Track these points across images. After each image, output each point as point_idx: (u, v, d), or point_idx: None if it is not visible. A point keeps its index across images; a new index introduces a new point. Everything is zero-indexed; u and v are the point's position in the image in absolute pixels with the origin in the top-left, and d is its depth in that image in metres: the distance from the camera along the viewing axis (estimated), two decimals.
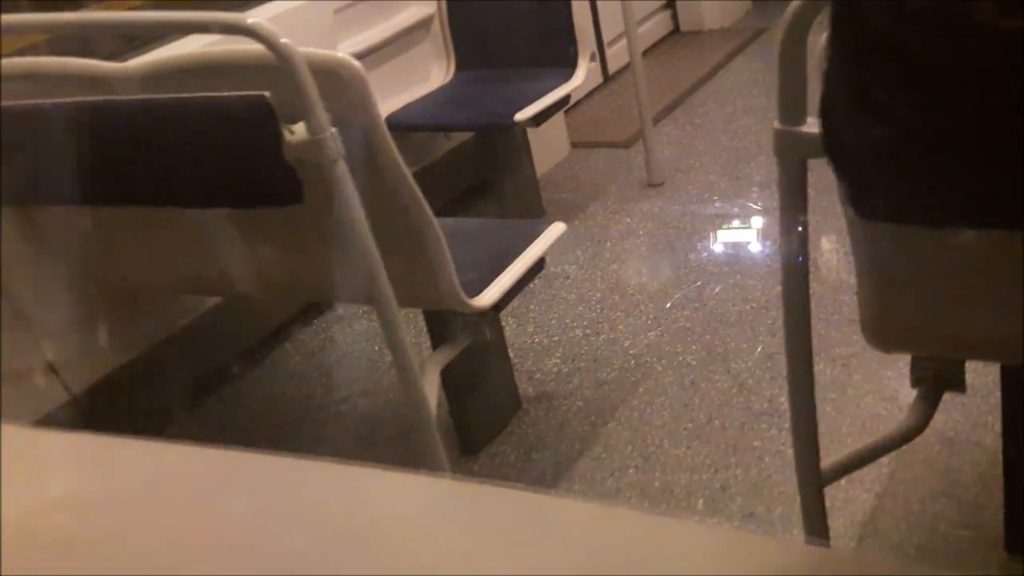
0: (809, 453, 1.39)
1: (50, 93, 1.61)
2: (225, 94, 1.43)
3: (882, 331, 1.41)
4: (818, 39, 1.16)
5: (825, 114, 1.05)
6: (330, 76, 1.45)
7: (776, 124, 1.19)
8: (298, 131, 1.45)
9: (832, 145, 1.05)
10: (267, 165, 1.46)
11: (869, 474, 1.87)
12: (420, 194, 1.61)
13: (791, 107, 1.16)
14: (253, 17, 1.41)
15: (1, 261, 1.89)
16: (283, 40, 1.37)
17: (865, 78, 1.07)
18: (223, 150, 1.49)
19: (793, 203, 1.21)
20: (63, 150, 1.65)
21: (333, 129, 1.44)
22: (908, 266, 1.28)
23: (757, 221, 2.98)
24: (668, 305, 2.59)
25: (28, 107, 1.61)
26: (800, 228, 1.24)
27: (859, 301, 1.40)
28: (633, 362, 2.38)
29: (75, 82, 1.63)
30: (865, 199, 1.12)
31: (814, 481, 1.41)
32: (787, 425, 2.03)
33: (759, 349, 2.34)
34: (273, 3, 2.56)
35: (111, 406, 2.14)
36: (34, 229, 1.97)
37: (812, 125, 1.17)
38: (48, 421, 1.99)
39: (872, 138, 1.05)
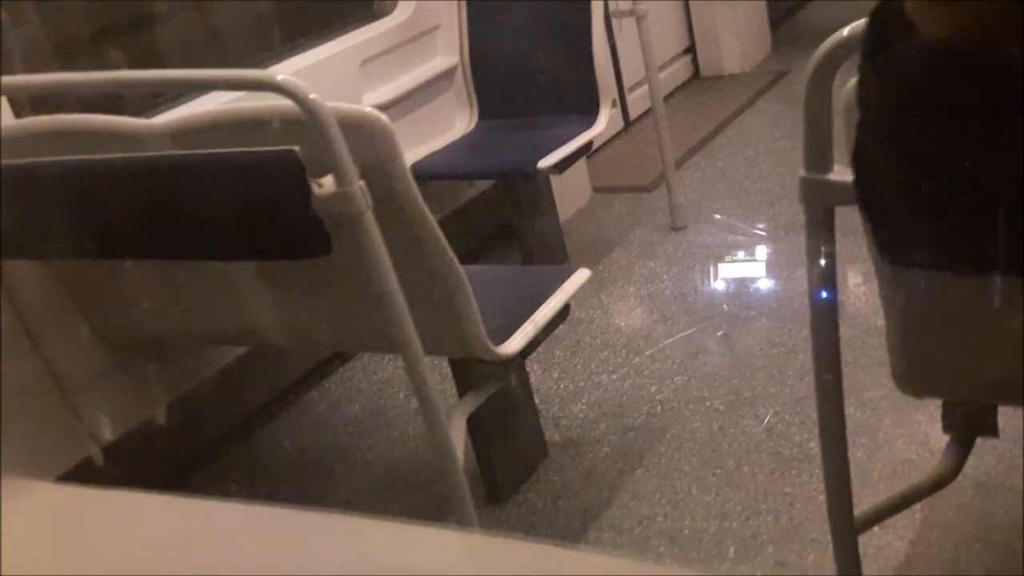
0: (842, 501, 1.38)
1: (79, 149, 1.64)
2: (254, 149, 1.45)
3: (913, 377, 1.40)
4: (842, 87, 1.16)
5: (857, 161, 1.05)
6: (357, 129, 1.47)
7: (802, 172, 1.19)
8: (326, 184, 1.47)
9: (864, 193, 1.05)
10: (296, 218, 1.47)
11: (902, 520, 1.84)
12: (446, 243, 1.62)
13: (817, 155, 1.16)
14: (281, 72, 1.44)
15: (15, 312, 1.90)
16: (312, 96, 1.39)
17: (896, 124, 1.07)
18: (252, 204, 1.51)
19: (820, 251, 1.21)
20: (92, 205, 1.67)
21: (361, 182, 1.45)
22: (939, 312, 1.27)
23: (782, 264, 2.97)
24: (694, 350, 2.58)
25: (58, 163, 1.64)
26: (828, 275, 1.24)
27: (889, 347, 1.39)
28: (660, 407, 2.37)
29: (103, 139, 1.65)
30: (897, 246, 1.12)
31: (848, 529, 1.40)
32: (818, 471, 2.01)
33: (787, 393, 2.32)
34: (300, 56, 2.60)
35: (138, 459, 2.15)
36: (62, 282, 1.99)
37: (839, 173, 1.17)
38: (73, 476, 2.00)
39: (905, 185, 1.05)
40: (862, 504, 1.48)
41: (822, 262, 1.23)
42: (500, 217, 3.22)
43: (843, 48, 1.11)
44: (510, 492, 2.17)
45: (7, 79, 2.00)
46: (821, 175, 1.17)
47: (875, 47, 1.04)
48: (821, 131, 1.15)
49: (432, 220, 1.59)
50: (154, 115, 2.11)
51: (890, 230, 1.10)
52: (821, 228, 1.21)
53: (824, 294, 1.25)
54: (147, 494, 0.80)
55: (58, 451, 2.00)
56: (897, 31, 1.00)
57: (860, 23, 1.05)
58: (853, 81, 1.13)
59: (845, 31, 1.12)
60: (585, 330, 2.79)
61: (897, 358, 1.39)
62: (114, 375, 2.09)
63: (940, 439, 2.04)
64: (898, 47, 1.02)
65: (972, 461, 1.55)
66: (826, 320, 1.28)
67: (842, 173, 1.17)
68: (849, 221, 1.30)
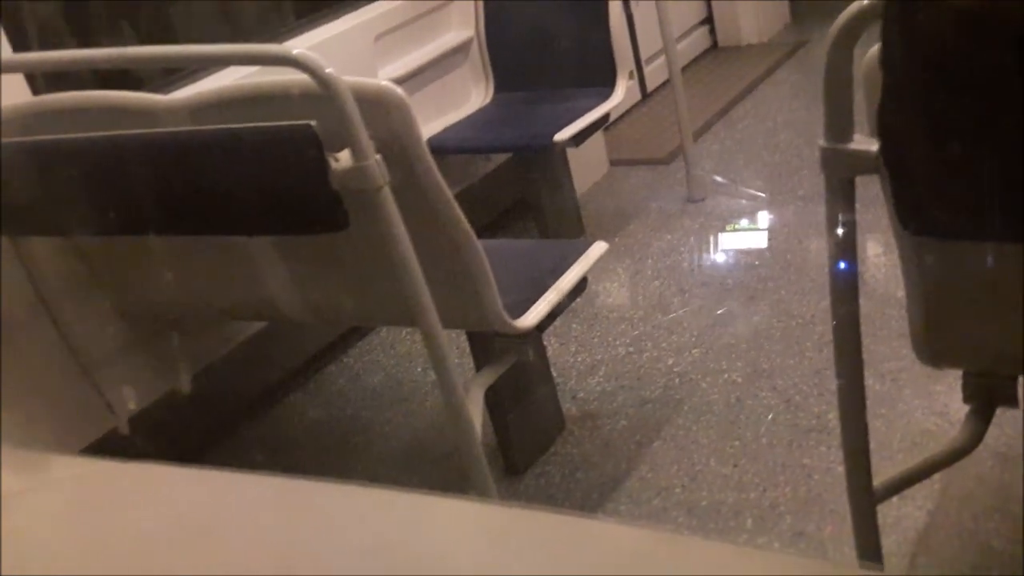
0: (861, 472, 1.38)
1: (97, 126, 1.65)
2: (271, 124, 1.45)
3: (933, 347, 1.39)
4: (862, 56, 1.15)
5: (883, 128, 1.04)
6: (374, 103, 1.47)
7: (822, 142, 1.18)
8: (343, 158, 1.47)
9: (889, 158, 1.05)
10: (314, 193, 1.47)
11: (921, 491, 1.84)
12: (463, 217, 1.63)
13: (838, 125, 1.15)
14: (297, 47, 1.44)
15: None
16: (328, 70, 1.39)
17: (920, 89, 1.06)
18: (270, 179, 1.51)
19: (841, 220, 1.21)
20: (112, 182, 1.68)
21: (378, 156, 1.45)
22: (960, 281, 1.26)
23: (800, 235, 2.96)
24: (711, 322, 2.58)
25: (77, 140, 1.64)
26: (848, 245, 1.24)
27: (909, 317, 1.39)
28: (677, 380, 2.37)
29: (121, 115, 1.66)
30: (918, 214, 1.11)
31: (866, 500, 1.40)
32: (836, 442, 2.01)
33: (806, 365, 2.32)
34: (315, 31, 2.59)
35: (159, 432, 2.17)
36: (82, 259, 2.00)
37: (859, 142, 1.16)
38: (96, 449, 2.02)
39: (929, 151, 1.04)
40: (881, 475, 1.48)
41: (842, 232, 1.22)
42: (516, 191, 3.21)
43: (864, 17, 1.10)
44: (528, 465, 2.18)
45: (24, 56, 2.00)
46: (841, 144, 1.17)
47: (899, 11, 1.03)
48: (841, 100, 1.14)
49: (449, 194, 1.59)
50: (171, 91, 2.12)
51: (914, 196, 1.10)
52: (841, 198, 1.20)
53: (844, 264, 1.25)
54: (169, 466, 0.81)
55: (79, 425, 2.03)
56: None
57: None
58: (873, 50, 1.12)
59: (866, 0, 1.10)
60: (602, 303, 2.79)
61: (917, 328, 1.39)
62: (134, 349, 2.11)
63: (959, 410, 2.03)
64: (924, 13, 1.01)
65: (992, 431, 1.54)
66: (846, 291, 1.28)
67: (862, 142, 1.16)
68: (868, 192, 1.29)
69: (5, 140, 1.75)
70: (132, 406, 2.07)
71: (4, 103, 1.76)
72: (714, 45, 4.85)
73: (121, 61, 1.82)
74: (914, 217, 1.15)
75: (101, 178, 1.63)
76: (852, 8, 1.13)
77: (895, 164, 1.10)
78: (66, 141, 1.66)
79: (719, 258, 2.92)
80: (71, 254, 1.97)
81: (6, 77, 1.86)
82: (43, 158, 1.68)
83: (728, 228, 3.09)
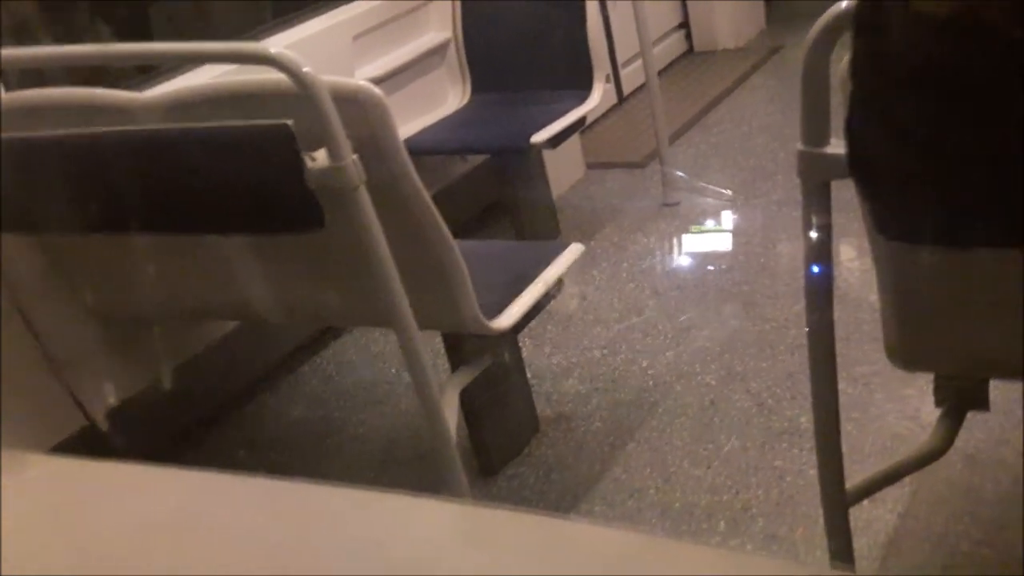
0: (834, 474, 1.39)
1: (70, 122, 1.63)
2: (248, 122, 1.44)
3: (906, 351, 1.41)
4: (840, 62, 1.16)
5: (850, 135, 1.05)
6: (351, 103, 1.47)
7: (799, 146, 1.19)
8: (319, 158, 1.47)
9: (857, 166, 1.06)
10: (289, 192, 1.47)
11: (891, 494, 1.85)
12: (440, 218, 1.62)
13: (814, 128, 1.16)
14: (275, 46, 1.43)
15: (2, 288, 1.90)
16: (305, 69, 1.38)
17: (889, 97, 1.07)
18: (246, 177, 1.51)
19: (817, 224, 1.22)
20: (86, 179, 1.67)
21: (355, 156, 1.45)
22: (932, 286, 1.28)
23: (774, 240, 2.98)
24: (686, 325, 2.59)
25: (50, 137, 1.63)
26: (824, 249, 1.25)
27: (883, 321, 1.40)
28: (652, 382, 2.38)
29: (96, 112, 1.64)
30: (890, 219, 1.12)
31: (839, 502, 1.41)
32: (808, 445, 2.03)
33: (779, 368, 2.33)
34: (292, 30, 2.58)
35: (130, 431, 2.15)
36: (54, 257, 1.98)
37: (836, 146, 1.17)
38: (67, 447, 2.00)
39: (897, 158, 1.05)
40: (853, 479, 1.49)
41: (818, 236, 1.23)
42: (493, 192, 3.21)
43: (842, 21, 1.10)
44: (502, 466, 2.18)
45: (5, 51, 1.98)
46: (818, 148, 1.17)
47: (868, 20, 1.03)
48: (819, 104, 1.15)
49: (426, 195, 1.59)
50: (145, 90, 2.10)
51: (883, 203, 1.11)
52: (817, 202, 1.21)
53: (819, 268, 1.26)
54: (141, 466, 0.80)
55: (49, 425, 2.00)
56: (893, 6, 1.00)
57: None
58: (849, 55, 1.13)
59: (843, 4, 1.11)
60: (577, 305, 2.80)
61: (890, 331, 1.40)
62: (105, 349, 2.09)
63: (931, 414, 2.05)
64: (891, 21, 1.02)
65: (962, 435, 1.56)
66: (821, 294, 1.29)
67: (839, 147, 1.17)
68: (842, 196, 1.30)
69: None
70: (104, 404, 2.05)
71: None
72: (690, 49, 4.87)
73: (98, 58, 1.80)
74: (886, 222, 1.16)
75: (75, 175, 1.61)
76: (830, 13, 1.13)
77: (863, 171, 1.11)
78: (40, 138, 1.64)
79: (694, 261, 2.93)
80: (43, 251, 1.95)
81: None
82: (16, 155, 1.66)
83: (703, 231, 3.10)
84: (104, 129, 1.58)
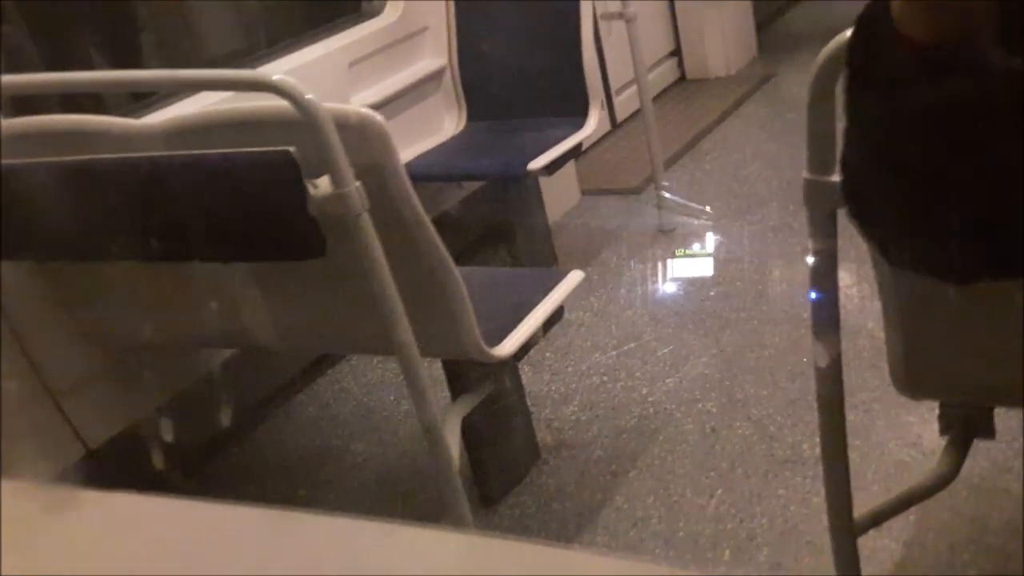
0: (842, 504, 1.38)
1: (69, 150, 1.62)
2: (250, 150, 1.44)
3: (911, 378, 1.40)
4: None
5: (846, 169, 1.05)
6: (352, 130, 1.46)
7: (805, 173, 1.19)
8: (321, 185, 1.46)
9: (854, 200, 1.05)
10: (291, 219, 1.46)
11: (896, 522, 1.84)
12: (441, 244, 1.61)
13: (820, 157, 1.16)
14: (276, 73, 1.42)
15: (2, 312, 1.88)
16: (308, 96, 1.37)
17: (882, 128, 1.06)
18: (247, 205, 1.50)
19: (823, 252, 1.21)
20: (85, 206, 1.65)
21: (357, 183, 1.44)
22: (937, 313, 1.27)
23: (771, 266, 2.98)
24: (685, 352, 2.58)
25: (49, 164, 1.62)
26: (830, 276, 1.24)
27: (887, 348, 1.39)
28: (652, 410, 2.37)
29: (93, 139, 1.63)
30: (894, 249, 1.12)
31: (847, 532, 1.40)
32: (812, 473, 2.01)
33: (779, 395, 2.32)
34: (288, 56, 2.58)
35: (128, 461, 2.13)
36: (52, 284, 1.96)
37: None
38: (65, 477, 1.97)
39: (892, 192, 1.04)
40: (857, 506, 1.48)
41: (824, 264, 1.22)
42: (489, 218, 3.21)
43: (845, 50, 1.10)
44: (503, 494, 2.16)
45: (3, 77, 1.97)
46: (824, 177, 1.17)
47: (860, 54, 1.03)
48: (824, 133, 1.15)
49: (427, 221, 1.58)
50: (139, 117, 2.09)
51: (878, 236, 1.10)
52: (823, 230, 1.20)
53: (826, 296, 1.25)
54: (140, 496, 0.79)
55: (46, 455, 1.98)
56: (883, 38, 1.00)
57: None
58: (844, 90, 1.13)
59: (848, 33, 1.11)
60: (575, 332, 2.79)
61: (895, 359, 1.39)
62: (102, 378, 2.07)
63: (933, 441, 2.05)
64: (883, 53, 1.02)
65: (966, 463, 1.55)
66: (827, 322, 1.28)
67: None
68: (841, 221, 1.30)
69: None
70: (97, 438, 2.02)
71: None
72: (682, 77, 4.90)
73: (95, 85, 1.80)
74: (891, 252, 1.16)
75: (74, 202, 1.60)
76: (835, 41, 1.14)
77: (860, 204, 1.10)
78: (37, 165, 1.63)
79: (691, 287, 2.93)
80: (41, 278, 1.93)
81: None
82: (15, 182, 1.65)
83: (699, 257, 3.10)
84: (102, 156, 1.57)
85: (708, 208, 3.28)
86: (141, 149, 1.58)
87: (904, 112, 1.02)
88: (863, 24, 0.99)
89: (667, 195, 3.35)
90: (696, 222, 3.34)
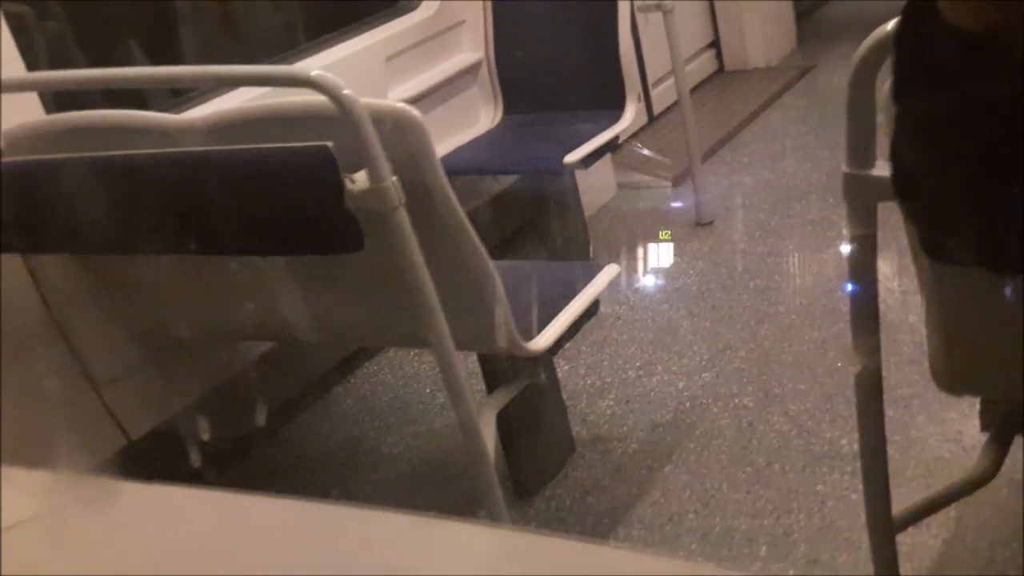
0: (881, 501, 1.37)
1: (110, 145, 1.64)
2: (288, 145, 1.45)
3: (952, 374, 1.38)
4: (884, 82, 1.15)
5: (895, 158, 1.04)
6: (389, 124, 1.47)
7: (844, 168, 1.17)
8: (359, 179, 1.46)
9: (903, 189, 1.04)
10: (329, 213, 1.47)
11: (936, 519, 1.82)
12: (477, 239, 1.62)
13: (860, 151, 1.15)
14: (314, 68, 1.43)
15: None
16: (345, 91, 1.38)
17: (932, 117, 1.05)
18: (286, 199, 1.51)
19: (863, 246, 1.20)
20: (126, 200, 1.67)
21: (394, 177, 1.45)
22: (981, 308, 1.25)
23: (810, 260, 2.95)
24: (721, 346, 2.57)
25: (91, 159, 1.64)
26: (870, 271, 1.23)
27: (928, 344, 1.38)
28: (688, 404, 2.36)
29: (135, 134, 1.65)
30: (938, 242, 1.10)
31: (886, 529, 1.38)
32: (849, 468, 2.00)
33: (817, 390, 2.30)
34: (326, 52, 2.60)
35: (168, 452, 2.15)
36: (94, 277, 1.99)
37: (881, 168, 1.16)
38: (107, 468, 2.00)
39: (943, 183, 1.03)
40: (895, 502, 1.46)
41: (864, 259, 1.21)
42: (524, 212, 3.21)
43: (887, 43, 1.09)
44: (538, 488, 2.17)
45: (37, 75, 2.00)
46: (864, 171, 1.16)
47: (908, 42, 1.02)
48: (864, 127, 1.14)
49: (463, 215, 1.58)
50: (178, 112, 2.12)
51: (930, 228, 1.09)
52: (863, 224, 1.19)
53: (866, 291, 1.24)
54: (179, 487, 0.80)
55: (88, 445, 2.01)
56: (930, 25, 0.99)
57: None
58: (891, 78, 1.12)
59: (888, 26, 1.10)
60: (611, 326, 2.78)
61: (936, 355, 1.37)
62: (143, 369, 2.10)
63: (973, 436, 2.02)
64: (931, 42, 1.01)
65: (1007, 460, 1.53)
66: (866, 317, 1.27)
67: (885, 169, 1.16)
68: (880, 214, 1.28)
69: (20, 159, 1.75)
70: (144, 424, 2.05)
71: (19, 122, 1.76)
72: (720, 69, 4.86)
73: (135, 81, 1.82)
74: (933, 245, 1.14)
75: (115, 197, 1.62)
76: (875, 35, 1.12)
77: (909, 195, 1.09)
78: (80, 160, 1.65)
79: (728, 281, 2.91)
80: (84, 271, 1.96)
81: (21, 96, 1.86)
82: (57, 177, 1.67)
83: (737, 252, 3.08)
84: (144, 151, 1.59)
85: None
86: (181, 144, 1.60)
87: (954, 102, 1.01)
88: (910, 13, 0.98)
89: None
90: (735, 215, 3.31)
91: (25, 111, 1.87)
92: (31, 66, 1.97)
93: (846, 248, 1.29)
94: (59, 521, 0.78)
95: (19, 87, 1.87)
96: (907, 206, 1.12)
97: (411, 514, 0.69)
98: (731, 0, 4.69)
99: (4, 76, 1.84)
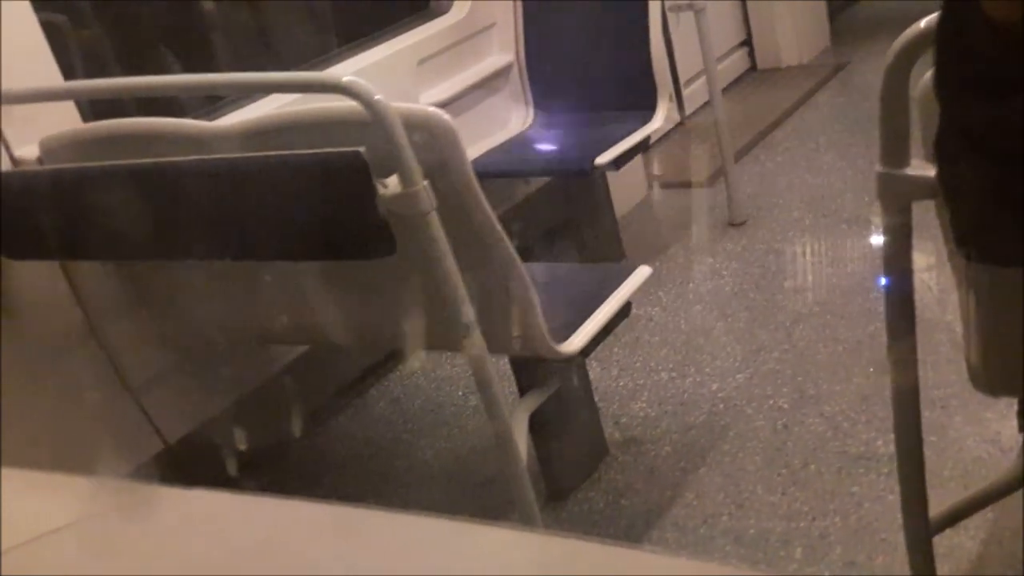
0: (917, 503, 1.35)
1: (143, 152, 1.66)
2: (321, 151, 1.46)
3: (990, 375, 1.36)
4: (918, 79, 1.14)
5: (939, 154, 1.02)
6: (421, 129, 1.47)
7: (878, 167, 1.16)
8: (391, 184, 1.47)
9: (947, 186, 1.03)
10: (362, 218, 1.48)
11: (973, 520, 1.80)
12: (509, 243, 1.62)
13: (895, 150, 1.14)
14: (340, 73, 1.44)
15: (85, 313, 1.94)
16: (377, 97, 1.39)
17: (975, 114, 1.04)
18: (319, 205, 1.52)
19: (898, 246, 1.19)
20: (162, 207, 1.69)
21: (425, 182, 1.45)
22: (1020, 309, 1.24)
23: (845, 260, 2.93)
24: (755, 347, 2.55)
25: (126, 166, 1.66)
26: (905, 271, 1.22)
27: (965, 344, 1.36)
28: (722, 405, 2.35)
29: (171, 141, 1.67)
30: (979, 241, 1.09)
31: (923, 531, 1.37)
32: (886, 470, 1.98)
33: (853, 391, 2.28)
34: (358, 56, 2.61)
35: (202, 457, 2.17)
36: (129, 283, 2.02)
37: (916, 167, 1.15)
38: (142, 472, 2.03)
39: (987, 178, 1.02)
40: (932, 504, 1.45)
41: (899, 259, 1.20)
42: (556, 214, 3.21)
43: (921, 40, 1.08)
44: (571, 490, 2.17)
45: (73, 83, 2.03)
46: (898, 170, 1.15)
47: (950, 36, 1.01)
48: (898, 126, 1.13)
49: (494, 219, 1.59)
50: (213, 119, 2.14)
51: (973, 225, 1.07)
52: (899, 224, 1.18)
53: (900, 290, 1.23)
54: (216, 492, 0.81)
55: (125, 449, 2.04)
56: (971, 18, 0.97)
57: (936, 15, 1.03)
58: (929, 74, 1.11)
59: (922, 23, 1.09)
60: (643, 327, 2.77)
61: (973, 355, 1.36)
62: (179, 374, 2.12)
63: (1011, 437, 2.00)
64: (972, 35, 0.99)
65: None
66: (902, 316, 1.26)
67: (919, 167, 1.15)
68: (915, 214, 1.27)
69: (57, 166, 1.78)
70: (180, 428, 2.08)
71: (56, 130, 1.79)
72: (753, 67, 4.83)
73: (170, 88, 1.84)
74: (974, 243, 1.13)
75: (151, 204, 1.64)
76: (908, 32, 1.11)
77: (952, 191, 1.07)
78: (116, 168, 1.68)
79: (762, 282, 2.89)
80: (119, 277, 1.99)
81: (58, 104, 1.89)
82: (93, 184, 1.70)
83: (771, 252, 3.06)
84: (179, 159, 1.61)
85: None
86: (216, 151, 1.62)
87: (998, 91, 1.00)
88: (951, 6, 0.97)
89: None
90: (768, 215, 3.29)
91: (62, 119, 1.89)
92: (67, 75, 2.00)
93: (881, 247, 1.28)
94: (99, 527, 0.79)
95: (56, 96, 1.90)
96: (952, 204, 1.10)
97: (446, 519, 0.70)
98: None
99: (42, 85, 1.87)
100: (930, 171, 1.13)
